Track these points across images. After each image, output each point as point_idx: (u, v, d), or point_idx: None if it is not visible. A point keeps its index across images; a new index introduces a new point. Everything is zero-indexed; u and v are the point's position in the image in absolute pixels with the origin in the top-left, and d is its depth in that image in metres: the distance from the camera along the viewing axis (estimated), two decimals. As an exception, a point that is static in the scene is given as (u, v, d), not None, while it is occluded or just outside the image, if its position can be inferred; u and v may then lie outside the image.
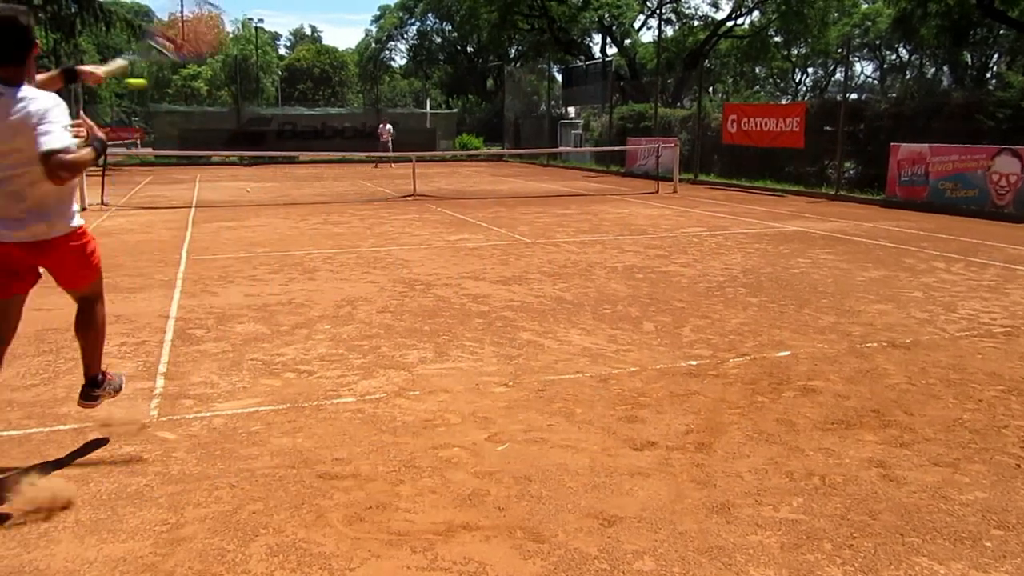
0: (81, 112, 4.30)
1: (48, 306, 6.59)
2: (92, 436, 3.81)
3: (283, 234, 11.05)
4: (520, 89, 38.39)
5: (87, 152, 3.17)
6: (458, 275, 7.96)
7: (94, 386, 3.70)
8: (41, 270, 3.43)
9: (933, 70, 33.92)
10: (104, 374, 3.75)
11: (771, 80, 44.64)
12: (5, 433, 3.86)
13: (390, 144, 28.15)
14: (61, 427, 3.93)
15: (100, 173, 16.44)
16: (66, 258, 3.40)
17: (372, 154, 27.99)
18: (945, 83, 30.88)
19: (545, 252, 9.48)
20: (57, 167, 2.98)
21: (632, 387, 4.57)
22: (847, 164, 17.86)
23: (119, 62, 3.97)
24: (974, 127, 14.92)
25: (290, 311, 6.40)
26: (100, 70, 3.79)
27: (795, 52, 39.65)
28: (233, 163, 30.08)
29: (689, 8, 37.13)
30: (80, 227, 3.43)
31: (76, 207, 3.45)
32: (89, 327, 3.62)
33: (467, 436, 3.83)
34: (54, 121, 3.04)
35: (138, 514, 3.05)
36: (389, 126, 29.48)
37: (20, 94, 3.07)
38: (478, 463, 3.53)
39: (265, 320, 6.10)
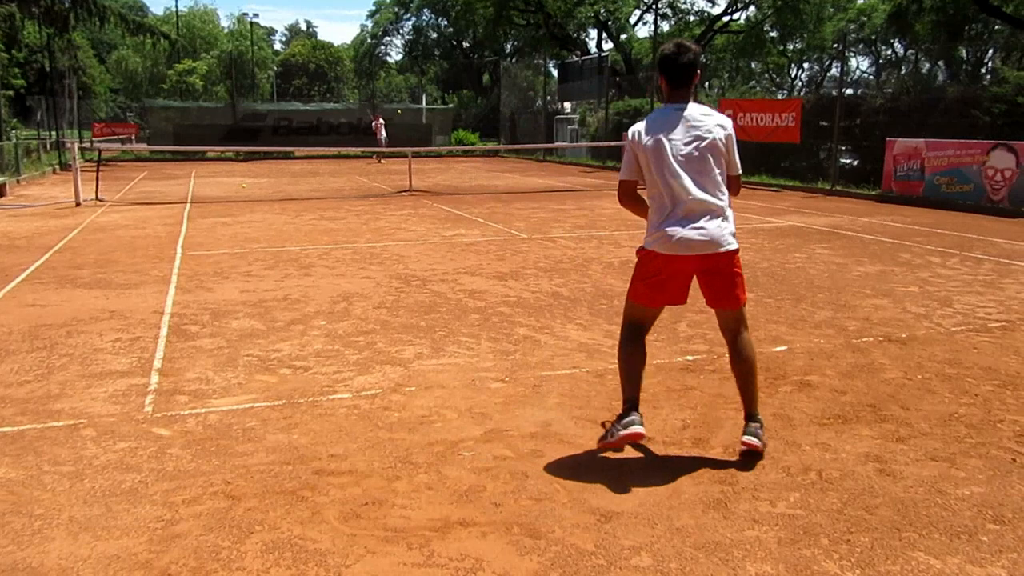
0: None
1: (42, 302, 6.57)
2: (86, 432, 3.79)
3: (279, 230, 11.02)
4: (516, 85, 38.32)
5: None
6: (454, 271, 7.95)
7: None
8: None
9: (928, 65, 33.93)
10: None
11: (767, 75, 44.61)
12: (-1, 430, 3.84)
13: (384, 138, 28.17)
14: (55, 423, 3.91)
15: (95, 168, 16.37)
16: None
17: (368, 149, 27.98)
18: (940, 78, 30.89)
19: (541, 248, 9.47)
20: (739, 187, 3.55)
21: (628, 382, 4.56)
22: (843, 159, 17.87)
23: None
24: (969, 122, 14.93)
25: (286, 307, 6.38)
26: None
27: (791, 47, 39.64)
28: (228, 159, 30.01)
29: (685, 3, 37.03)
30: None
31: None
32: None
33: (464, 432, 3.82)
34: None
35: (132, 511, 3.04)
36: (382, 120, 29.46)
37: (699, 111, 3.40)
38: (474, 459, 3.52)
39: (261, 316, 6.08)
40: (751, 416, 3.52)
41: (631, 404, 3.40)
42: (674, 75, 3.37)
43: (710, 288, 3.50)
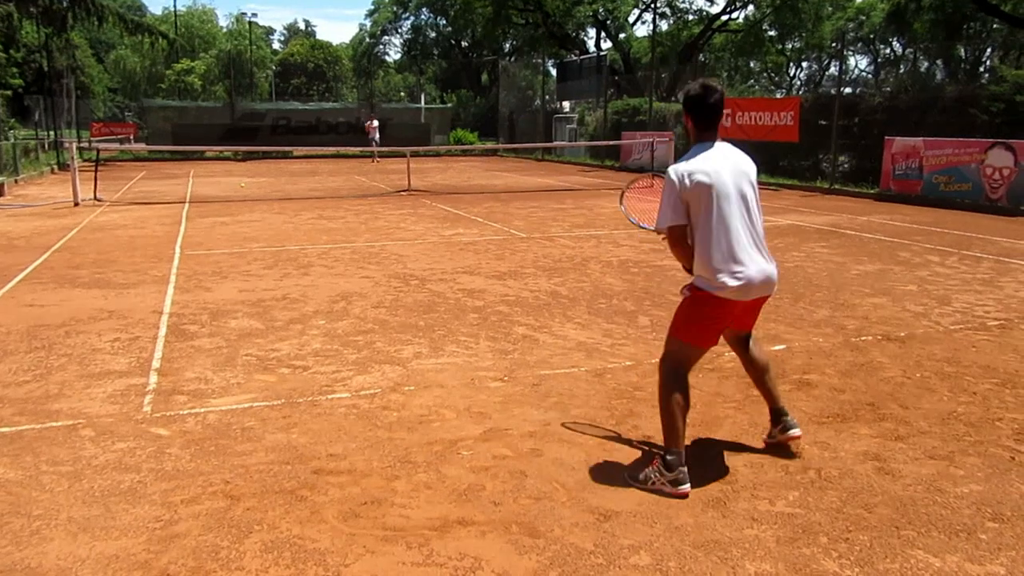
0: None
1: (41, 302, 6.56)
2: (84, 433, 3.79)
3: (277, 229, 11.01)
4: (515, 84, 38.31)
5: None
6: (453, 270, 7.94)
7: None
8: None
9: (927, 64, 33.93)
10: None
11: (765, 74, 44.61)
12: (-3, 430, 3.84)
13: (377, 138, 28.18)
14: (53, 424, 3.91)
15: (93, 168, 16.36)
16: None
17: (366, 149, 27.99)
18: (939, 77, 30.90)
19: (540, 247, 9.47)
20: None
21: (627, 381, 4.56)
22: (841, 158, 17.87)
23: None
24: (968, 121, 14.93)
25: (284, 306, 6.38)
26: None
27: (789, 46, 39.63)
28: (227, 158, 29.99)
29: (684, 2, 36.96)
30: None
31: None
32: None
33: (463, 431, 3.82)
34: None
35: (131, 511, 3.04)
36: (376, 121, 29.44)
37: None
38: (473, 458, 3.52)
39: (259, 316, 6.07)
40: (784, 410, 3.61)
41: (680, 456, 3.23)
42: (705, 115, 3.32)
43: (749, 317, 3.51)
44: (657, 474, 3.21)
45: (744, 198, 3.27)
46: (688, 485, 3.19)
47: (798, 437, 3.56)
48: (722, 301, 3.25)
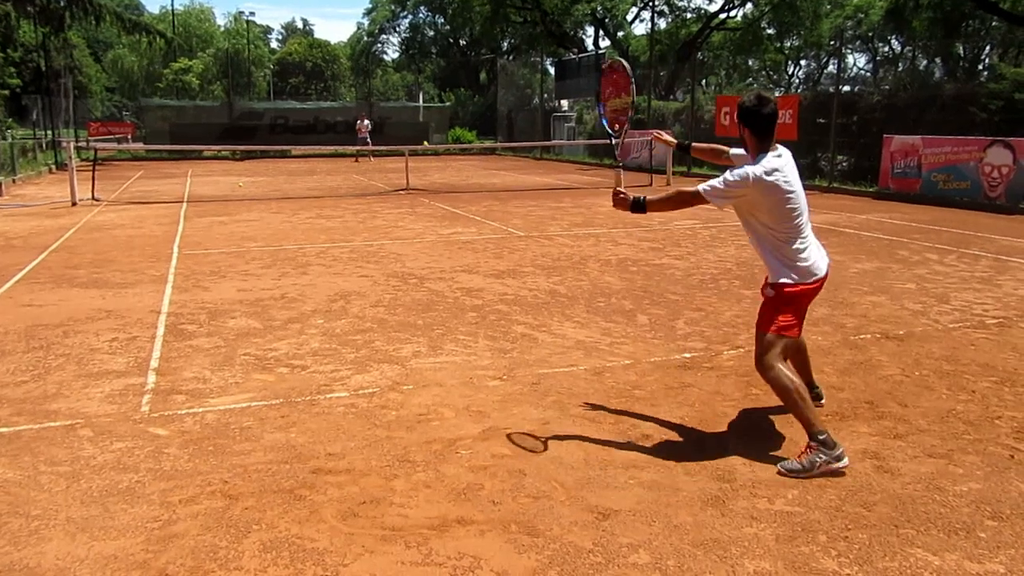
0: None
1: (39, 302, 6.56)
2: (83, 433, 3.78)
3: (275, 228, 11.00)
4: (513, 82, 38.26)
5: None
6: (451, 269, 7.94)
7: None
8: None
9: (925, 62, 33.92)
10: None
11: (764, 72, 44.57)
12: (-5, 430, 3.83)
13: (368, 139, 28.18)
14: (51, 424, 3.90)
15: (91, 168, 16.34)
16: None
17: (363, 149, 27.99)
18: (937, 75, 30.88)
19: (539, 245, 9.46)
20: None
21: (626, 380, 4.56)
22: (840, 156, 17.87)
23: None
24: (966, 119, 14.93)
25: (283, 306, 6.37)
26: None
27: (788, 44, 39.58)
28: (225, 157, 29.94)
29: (682, 1, 36.96)
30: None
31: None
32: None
33: (461, 430, 3.82)
34: None
35: (129, 511, 3.03)
36: (367, 122, 29.42)
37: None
38: (472, 457, 3.52)
39: (258, 315, 6.06)
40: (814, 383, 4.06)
41: (828, 433, 3.42)
42: (765, 125, 3.52)
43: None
44: (821, 456, 3.36)
45: (804, 197, 3.59)
46: (847, 460, 3.41)
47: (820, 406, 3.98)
48: (807, 289, 3.56)
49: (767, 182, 3.40)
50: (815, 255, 3.56)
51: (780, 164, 3.46)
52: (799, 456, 3.40)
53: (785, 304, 3.53)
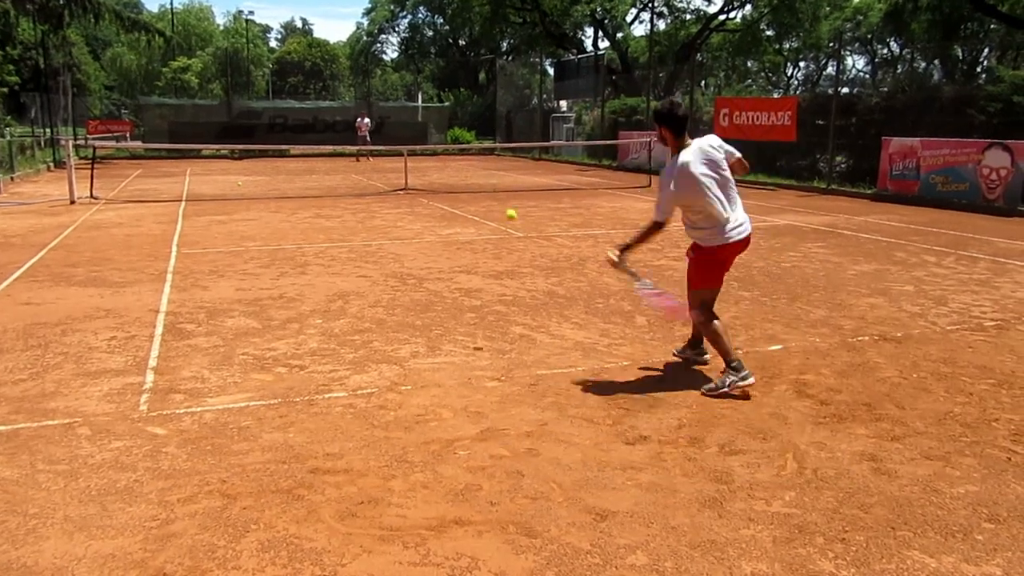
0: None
1: (37, 300, 6.55)
2: (81, 431, 3.78)
3: (274, 228, 11.00)
4: (512, 83, 38.28)
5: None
6: (450, 269, 7.94)
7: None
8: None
9: (924, 64, 33.97)
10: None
11: (763, 74, 44.63)
12: (-7, 429, 3.83)
13: (368, 137, 28.17)
14: (49, 422, 3.90)
15: (89, 166, 16.32)
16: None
17: (362, 149, 27.99)
18: (936, 77, 30.93)
19: (537, 246, 9.47)
20: None
21: (625, 381, 4.56)
22: (839, 158, 17.89)
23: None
24: (965, 121, 14.94)
25: (281, 305, 6.37)
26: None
27: (787, 46, 39.63)
28: (224, 156, 29.93)
29: (681, 2, 36.93)
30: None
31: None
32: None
33: (460, 431, 3.82)
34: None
35: (127, 510, 3.03)
36: (367, 120, 29.42)
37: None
38: (470, 457, 3.52)
39: (256, 314, 6.06)
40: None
41: (740, 362, 4.30)
42: (680, 124, 4.33)
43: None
44: (732, 377, 4.24)
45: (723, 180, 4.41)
46: (753, 379, 4.28)
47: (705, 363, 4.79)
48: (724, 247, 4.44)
49: (683, 178, 4.22)
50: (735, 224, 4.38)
51: (690, 156, 4.25)
52: (717, 377, 4.30)
53: (711, 259, 4.46)
